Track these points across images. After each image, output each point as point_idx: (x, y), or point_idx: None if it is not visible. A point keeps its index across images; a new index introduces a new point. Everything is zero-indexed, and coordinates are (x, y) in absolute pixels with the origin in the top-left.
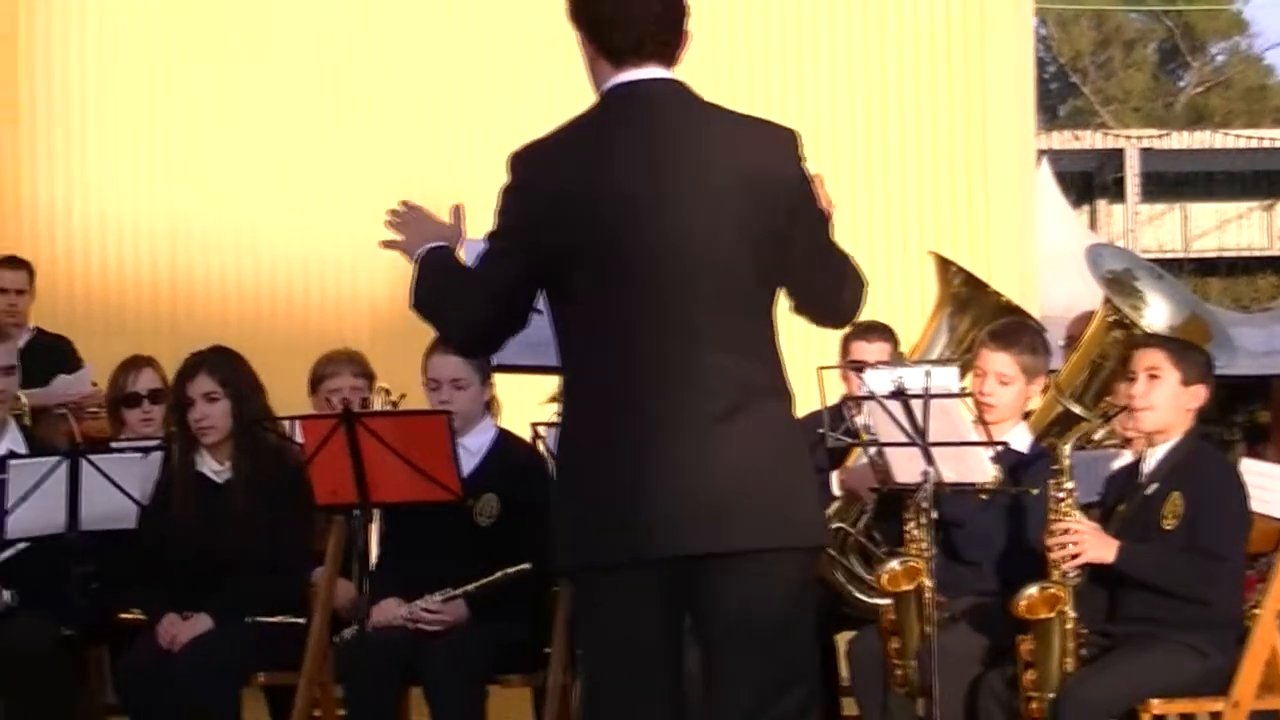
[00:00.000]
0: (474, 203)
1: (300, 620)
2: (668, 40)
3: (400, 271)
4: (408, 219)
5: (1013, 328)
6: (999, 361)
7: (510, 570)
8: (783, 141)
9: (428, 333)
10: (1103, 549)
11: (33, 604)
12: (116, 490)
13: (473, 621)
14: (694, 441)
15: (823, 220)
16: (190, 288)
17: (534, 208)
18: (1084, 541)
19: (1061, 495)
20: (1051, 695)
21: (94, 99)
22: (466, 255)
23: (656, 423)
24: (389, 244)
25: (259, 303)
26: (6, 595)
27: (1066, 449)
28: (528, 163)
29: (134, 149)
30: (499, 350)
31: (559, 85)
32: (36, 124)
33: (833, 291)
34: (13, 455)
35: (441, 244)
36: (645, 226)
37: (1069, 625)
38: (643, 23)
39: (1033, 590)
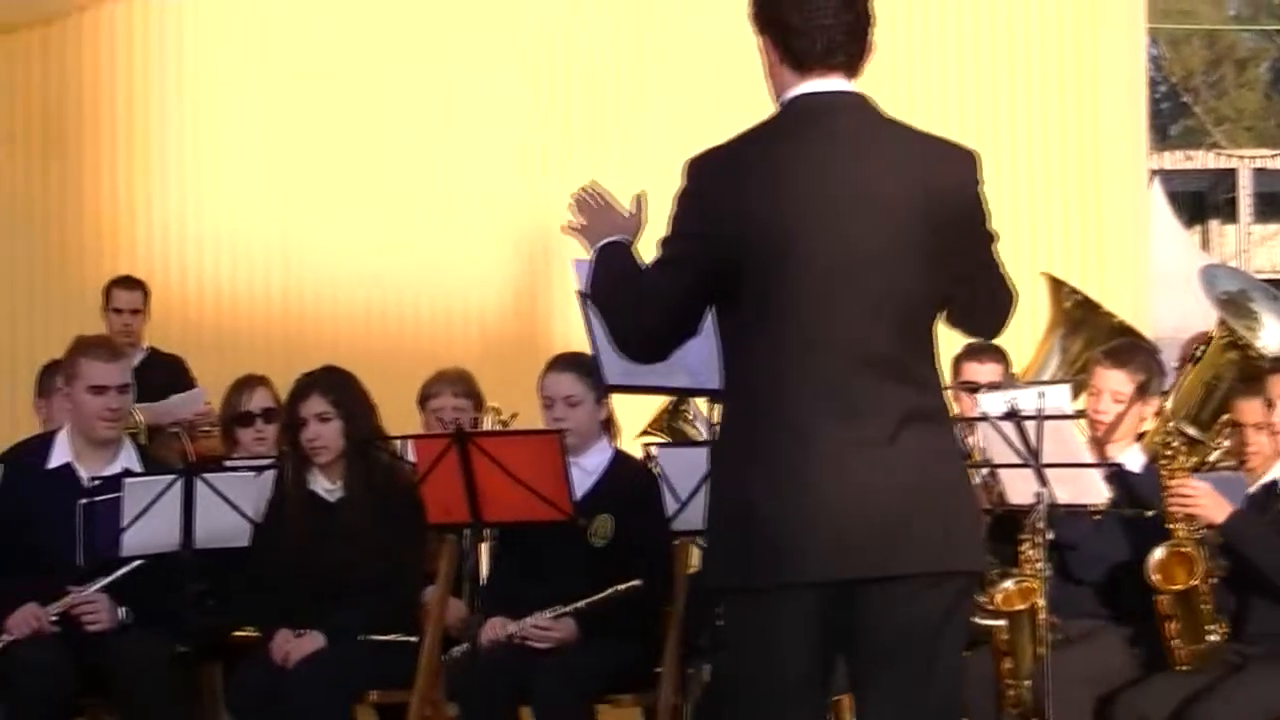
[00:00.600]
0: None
1: (412, 639)
2: (854, 51)
3: (511, 292)
4: (593, 205)
5: (1127, 347)
6: (1114, 380)
7: (621, 587)
8: (963, 161)
9: (537, 352)
10: (1216, 509)
11: (147, 621)
12: (230, 509)
13: (583, 640)
14: (861, 463)
15: (991, 240)
16: (301, 307)
17: (710, 215)
18: (1199, 499)
19: (1170, 453)
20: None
21: (206, 120)
22: (577, 274)
23: (823, 443)
24: (570, 228)
25: (369, 322)
26: (122, 612)
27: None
28: (705, 170)
29: (246, 169)
30: (666, 359)
31: (669, 111)
32: (150, 145)
33: (989, 307)
34: (128, 473)
35: (621, 237)
36: (820, 240)
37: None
38: (833, 32)
39: (1160, 553)
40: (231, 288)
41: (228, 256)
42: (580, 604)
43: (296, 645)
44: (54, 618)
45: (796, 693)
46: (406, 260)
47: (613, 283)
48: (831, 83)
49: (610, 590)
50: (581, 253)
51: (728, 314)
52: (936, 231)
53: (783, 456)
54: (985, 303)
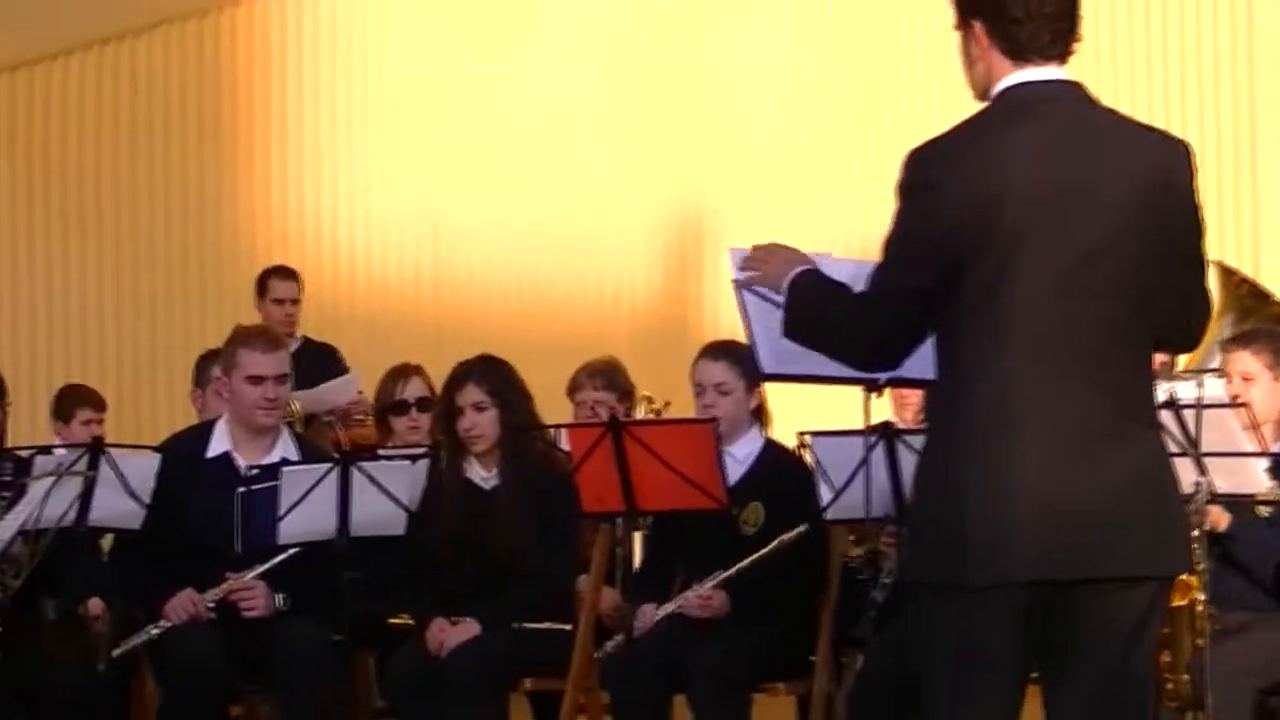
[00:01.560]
0: (734, 220)
1: (565, 626)
2: (1071, 39)
3: (661, 280)
4: (763, 256)
5: (1249, 329)
6: (1240, 361)
7: (788, 536)
8: (1180, 152)
9: (687, 340)
10: None
11: (304, 609)
12: (386, 497)
13: (734, 622)
14: (1078, 462)
15: (1203, 234)
16: (454, 296)
17: (935, 209)
18: None
19: None
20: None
21: (359, 106)
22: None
23: (1040, 439)
24: (748, 280)
25: (520, 310)
26: (279, 599)
27: None
28: (928, 162)
29: (399, 158)
30: (899, 366)
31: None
32: (304, 132)
33: (1192, 315)
34: (285, 462)
35: (806, 267)
36: (1044, 232)
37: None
38: (1055, 21)
39: None
40: (383, 278)
41: (379, 245)
42: (744, 563)
43: (452, 632)
44: (211, 604)
45: (999, 692)
46: (558, 248)
47: (821, 305)
48: (1048, 71)
49: (776, 541)
50: (737, 240)
51: (947, 308)
52: (1157, 223)
53: (999, 452)
54: (1190, 310)
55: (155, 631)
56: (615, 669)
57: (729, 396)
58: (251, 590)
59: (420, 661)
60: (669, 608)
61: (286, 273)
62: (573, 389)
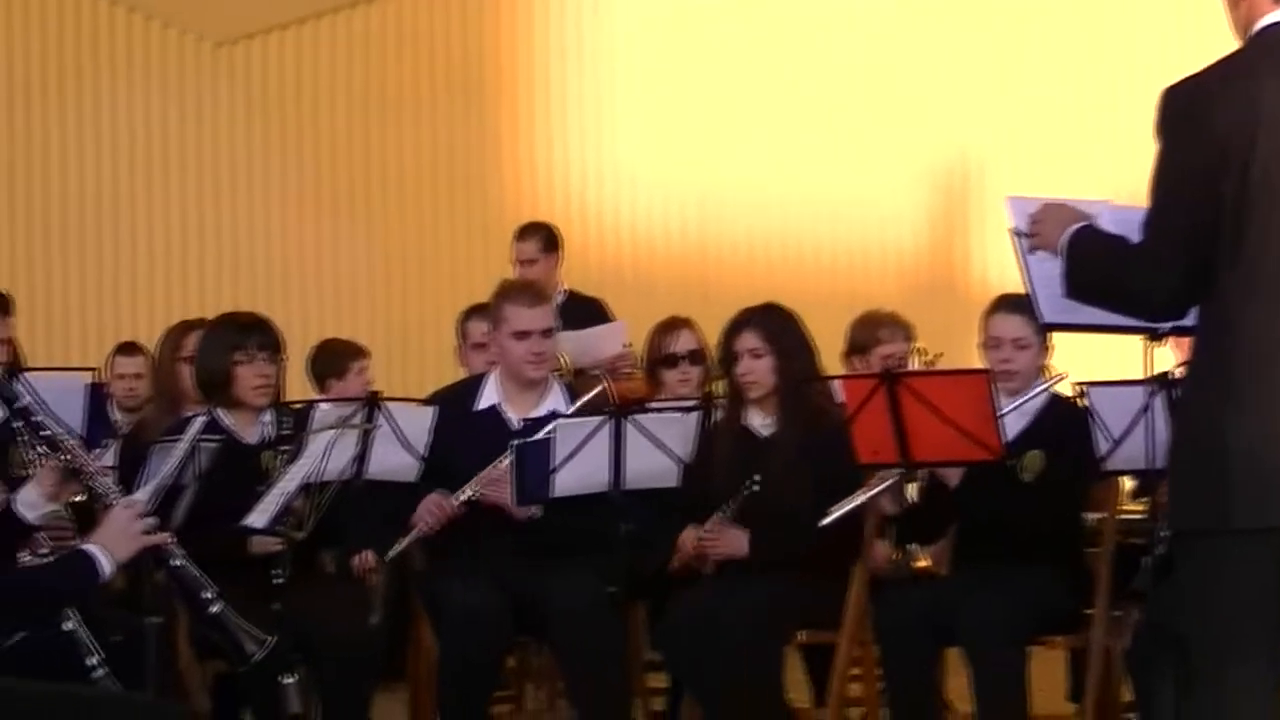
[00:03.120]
0: (1001, 173)
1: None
2: None
3: (928, 229)
4: (1040, 217)
5: None
6: None
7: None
8: None
9: (955, 290)
10: None
11: (580, 561)
12: (658, 449)
13: (1013, 579)
14: None
15: None
16: (719, 248)
17: (1194, 141)
18: None
19: None
20: None
21: (623, 62)
22: (1012, 212)
23: None
24: (1030, 246)
25: (785, 262)
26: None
27: None
28: (1184, 96)
29: (662, 112)
30: (1185, 314)
31: (1092, 33)
32: (567, 89)
33: None
34: (554, 415)
35: (1080, 225)
36: None
37: None
38: None
39: None
40: (648, 230)
41: (645, 200)
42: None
43: (724, 540)
44: (461, 502)
45: (1263, 637)
46: (823, 199)
47: (1099, 264)
48: None
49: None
50: (1016, 189)
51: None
52: None
53: (1262, 395)
54: None
55: (413, 537)
56: (888, 622)
57: (1027, 351)
58: (498, 483)
59: (694, 614)
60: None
61: (524, 233)
62: (871, 342)
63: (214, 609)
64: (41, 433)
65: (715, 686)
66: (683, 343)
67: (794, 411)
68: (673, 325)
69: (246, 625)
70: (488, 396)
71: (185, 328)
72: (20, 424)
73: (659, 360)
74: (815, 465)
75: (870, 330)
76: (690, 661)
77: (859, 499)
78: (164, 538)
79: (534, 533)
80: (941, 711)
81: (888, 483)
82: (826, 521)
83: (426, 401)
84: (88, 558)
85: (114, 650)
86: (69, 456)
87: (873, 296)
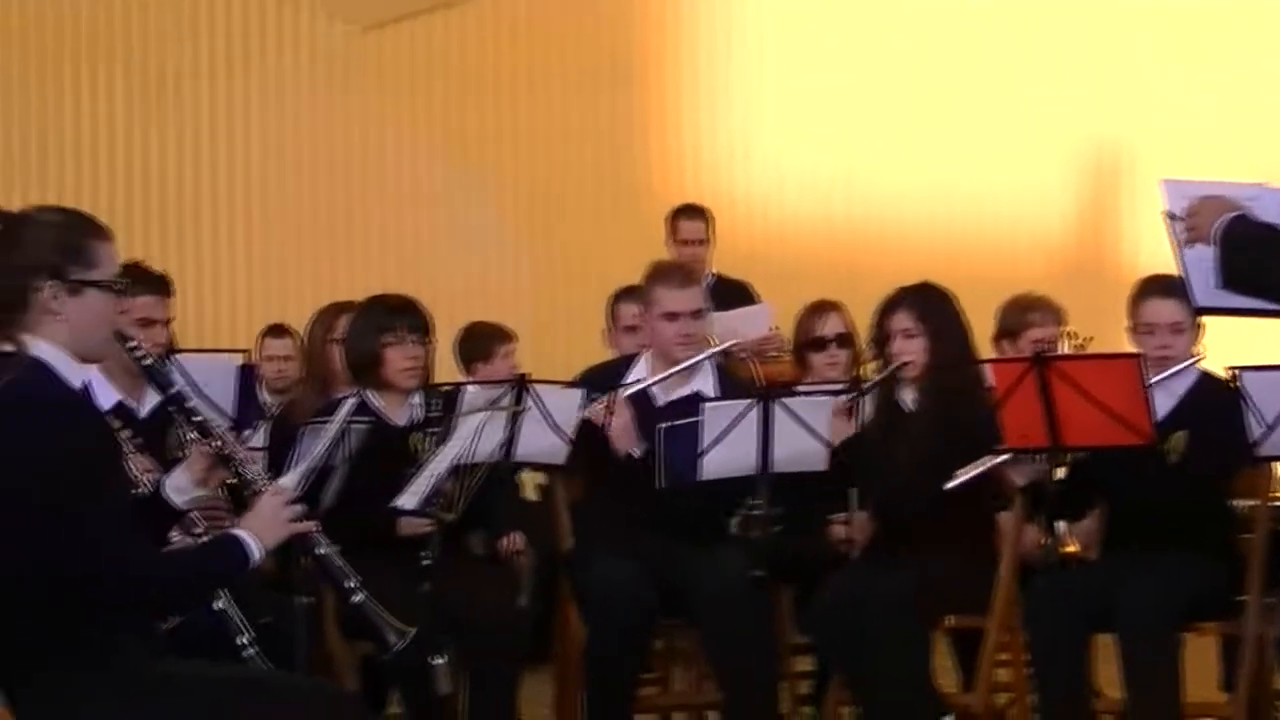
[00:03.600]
0: (1148, 156)
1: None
2: None
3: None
4: (1195, 210)
5: None
6: None
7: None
8: None
9: (1104, 273)
10: None
11: (726, 544)
12: (807, 432)
13: (1165, 562)
14: None
15: None
16: (865, 232)
17: None
18: None
19: None
20: None
21: (771, 45)
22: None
23: None
24: (1189, 241)
25: (933, 245)
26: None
27: None
28: None
29: (810, 95)
30: None
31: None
32: (715, 73)
33: None
34: (699, 396)
35: (1236, 213)
36: None
37: None
38: None
39: None
40: (795, 214)
41: (793, 183)
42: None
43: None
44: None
45: None
46: (972, 182)
47: (1257, 249)
48: None
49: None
50: (1167, 172)
51: None
52: None
53: None
54: None
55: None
56: (1037, 608)
57: (1182, 335)
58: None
59: (841, 597)
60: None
61: (693, 211)
62: (1022, 326)
63: (356, 599)
64: (193, 419)
65: (863, 671)
66: (831, 326)
67: (938, 388)
68: (821, 308)
69: (388, 616)
70: (636, 375)
71: (336, 310)
72: (173, 409)
73: (807, 343)
74: (950, 443)
75: (1021, 314)
76: (838, 646)
77: (984, 465)
78: (310, 526)
79: (681, 515)
80: (1090, 698)
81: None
82: (950, 485)
83: (576, 381)
84: (239, 542)
85: (263, 630)
86: (219, 443)
87: (1021, 280)
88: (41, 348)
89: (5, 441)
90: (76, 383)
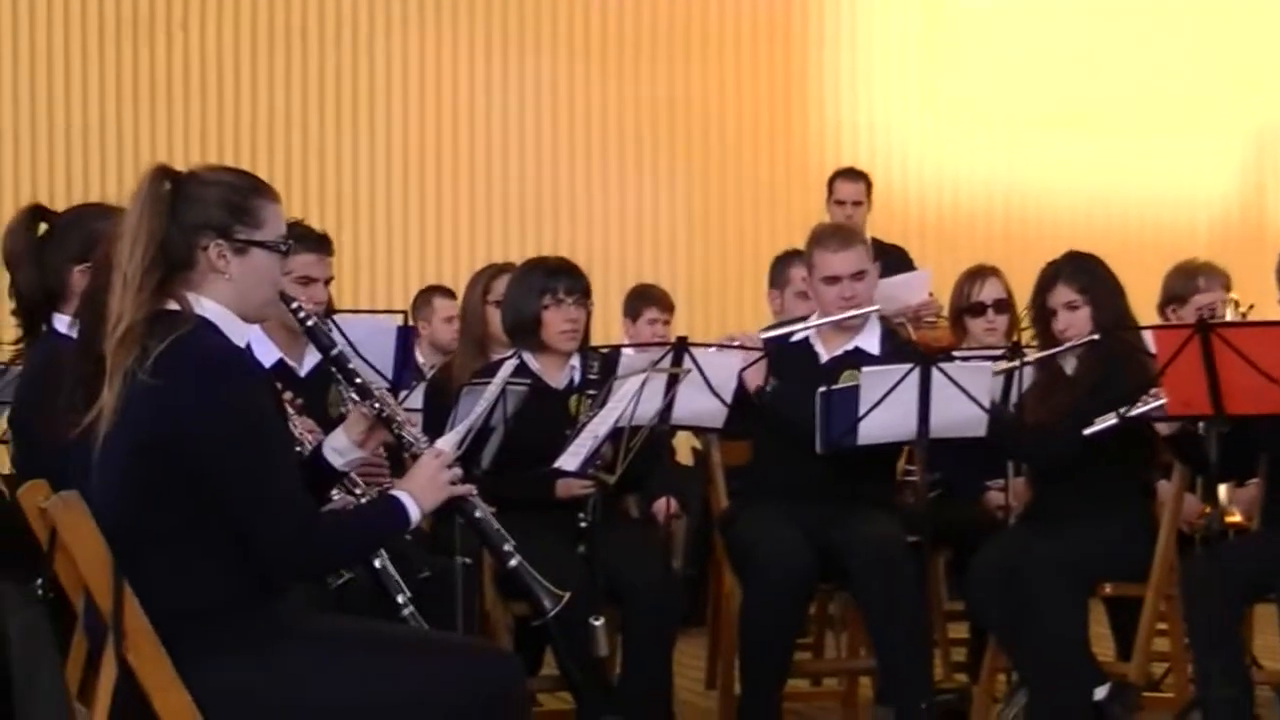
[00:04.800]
0: None
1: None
2: None
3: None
4: None
5: None
6: None
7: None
8: None
9: (1265, 241)
10: None
11: (880, 509)
12: (965, 398)
13: None
14: None
15: None
16: (1024, 203)
17: None
18: None
19: None
20: None
21: (933, 11)
22: None
23: None
24: None
25: (1092, 212)
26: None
27: None
28: None
29: (967, 73)
30: None
31: None
32: (874, 37)
33: None
34: (859, 351)
35: None
36: None
37: None
38: None
39: None
40: (954, 184)
41: (950, 155)
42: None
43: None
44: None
45: None
46: (1133, 150)
47: None
48: None
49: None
50: None
51: None
52: None
53: None
54: None
55: None
56: (1194, 577)
57: None
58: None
59: (998, 564)
60: None
61: (853, 174)
62: (1189, 291)
63: (512, 563)
64: (354, 380)
65: (1020, 638)
66: (989, 291)
67: (1100, 355)
68: (979, 273)
69: (543, 581)
70: (800, 335)
71: (494, 271)
72: (334, 369)
73: (965, 308)
74: (1108, 408)
75: (1187, 279)
76: (995, 612)
77: (1127, 412)
78: (469, 489)
79: (837, 480)
80: (1249, 669)
81: (1157, 401)
82: (1090, 430)
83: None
84: (399, 503)
85: (421, 585)
86: (379, 404)
87: (1182, 249)
88: (206, 306)
89: (176, 395)
90: (240, 342)
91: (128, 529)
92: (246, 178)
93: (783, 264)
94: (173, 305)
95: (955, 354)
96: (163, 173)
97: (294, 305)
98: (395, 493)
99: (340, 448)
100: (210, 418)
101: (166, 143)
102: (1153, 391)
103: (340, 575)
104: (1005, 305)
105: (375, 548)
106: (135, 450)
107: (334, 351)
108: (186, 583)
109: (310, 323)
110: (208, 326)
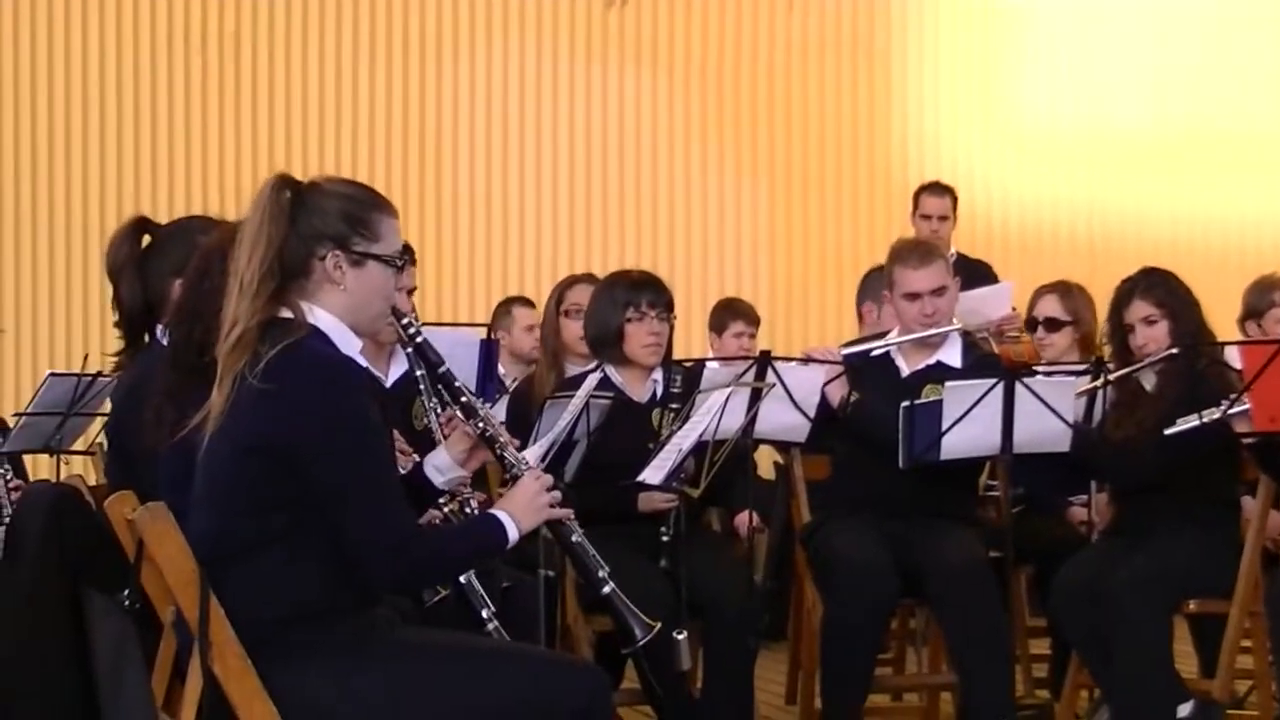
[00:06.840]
0: None
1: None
2: None
3: None
4: None
5: None
6: None
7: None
8: None
9: None
10: None
11: (962, 524)
12: (1049, 413)
13: None
14: None
15: None
16: (1106, 216)
17: None
18: None
19: None
20: None
21: (1016, 25)
22: None
23: None
24: None
25: (1176, 227)
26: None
27: None
28: None
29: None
30: None
31: None
32: (956, 51)
33: None
34: (940, 365)
35: None
36: None
37: None
38: None
39: None
40: (1036, 197)
41: (1031, 166)
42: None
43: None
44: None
45: None
46: (1213, 163)
47: None
48: None
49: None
50: None
51: None
52: None
53: None
54: None
55: None
56: (1279, 593)
57: None
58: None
59: (1081, 580)
60: None
61: (939, 189)
62: (1267, 305)
63: (605, 589)
64: (460, 399)
65: (1103, 654)
66: (1042, 308)
67: (1180, 370)
68: (1042, 290)
69: (635, 610)
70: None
71: (569, 281)
72: (439, 387)
73: (1025, 324)
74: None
75: (1265, 294)
76: (1078, 628)
77: (1209, 414)
78: (567, 513)
79: (920, 495)
80: None
81: (1242, 407)
82: (1171, 430)
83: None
84: (499, 523)
85: (502, 601)
86: (483, 423)
87: (1265, 263)
88: (319, 316)
89: (286, 401)
90: (350, 353)
91: (226, 532)
92: (366, 191)
93: (872, 277)
94: (286, 313)
95: (1038, 369)
96: (284, 181)
97: (404, 320)
98: (495, 512)
99: (441, 465)
100: (319, 424)
101: (268, 154)
102: (1231, 396)
103: (437, 592)
104: (1057, 324)
105: (471, 565)
106: (241, 454)
107: (441, 369)
108: (281, 588)
109: (420, 339)
110: (319, 336)
